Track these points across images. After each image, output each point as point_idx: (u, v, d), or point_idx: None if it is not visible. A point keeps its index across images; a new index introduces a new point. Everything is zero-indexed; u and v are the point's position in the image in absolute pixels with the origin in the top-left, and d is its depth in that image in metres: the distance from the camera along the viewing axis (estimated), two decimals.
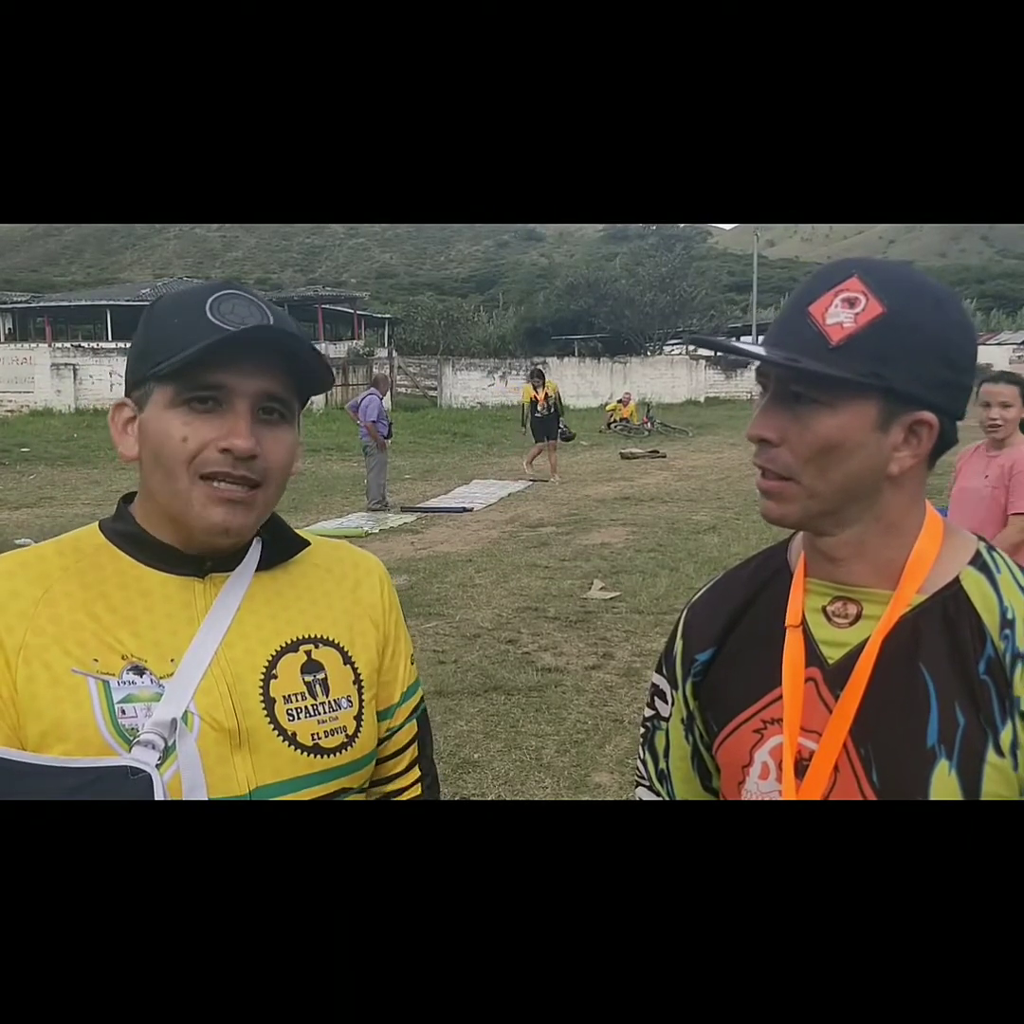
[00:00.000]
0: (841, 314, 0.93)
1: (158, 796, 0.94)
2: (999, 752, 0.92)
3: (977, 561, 0.99)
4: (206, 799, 1.00)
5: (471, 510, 12.14)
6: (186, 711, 1.00)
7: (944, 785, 0.92)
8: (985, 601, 0.96)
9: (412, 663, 1.23)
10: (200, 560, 1.06)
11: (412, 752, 1.23)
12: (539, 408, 15.19)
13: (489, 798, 3.99)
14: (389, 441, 12.62)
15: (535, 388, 15.37)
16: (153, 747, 0.97)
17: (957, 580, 0.98)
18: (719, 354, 34.94)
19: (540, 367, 16.52)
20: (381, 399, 12.73)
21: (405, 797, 1.22)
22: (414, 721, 1.23)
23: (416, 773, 1.24)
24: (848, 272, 0.95)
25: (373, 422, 12.34)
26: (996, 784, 0.92)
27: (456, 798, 3.97)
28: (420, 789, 1.24)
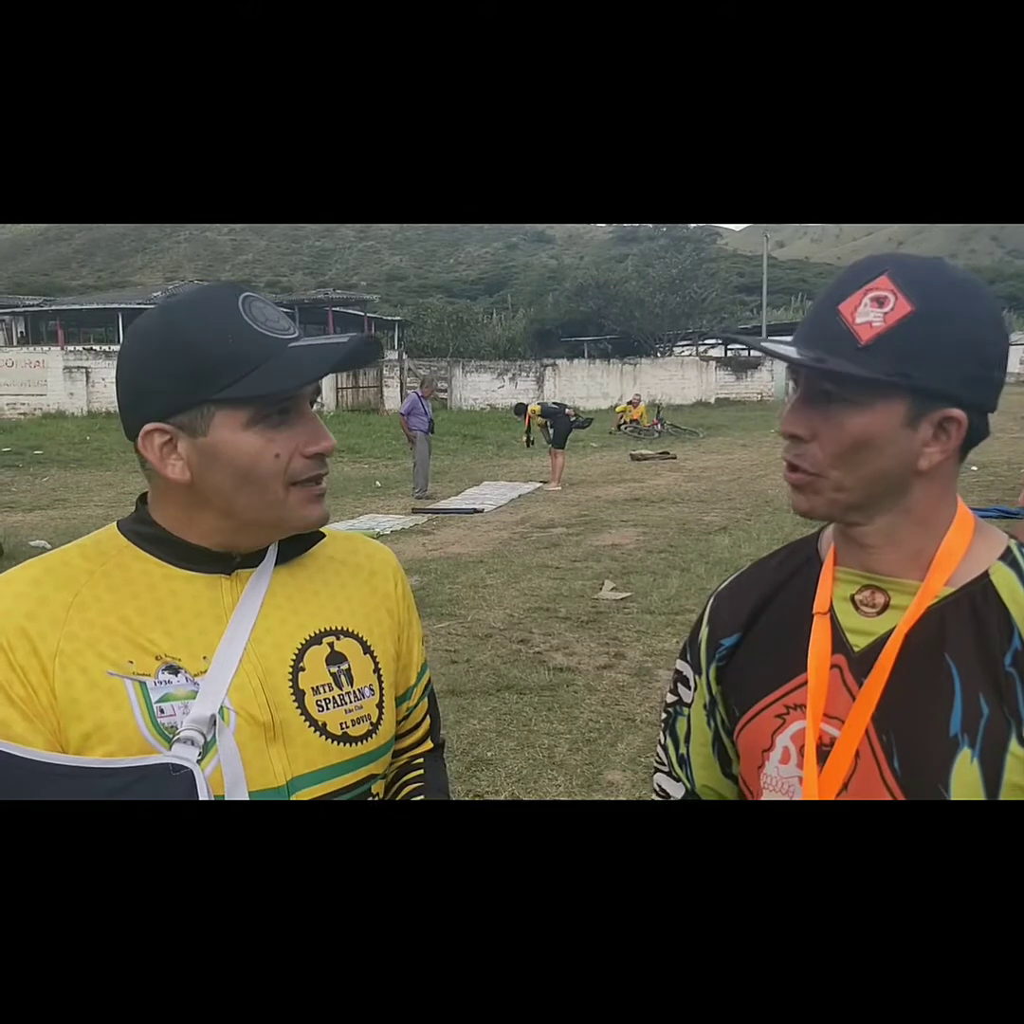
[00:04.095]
0: (870, 313, 0.93)
1: (200, 790, 0.95)
2: (1022, 743, 0.92)
3: (1007, 557, 1.00)
4: (241, 796, 1.02)
5: (482, 511, 12.16)
6: (222, 706, 1.02)
7: (965, 774, 0.93)
8: (1014, 595, 0.97)
9: (422, 643, 1.28)
10: (229, 558, 1.08)
11: (426, 725, 1.30)
12: (529, 432, 15.96)
13: (502, 795, 4.01)
14: (425, 434, 13.81)
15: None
16: (193, 743, 0.98)
17: (986, 574, 0.99)
18: (729, 354, 34.88)
19: (523, 402, 17.41)
20: (421, 398, 14.04)
21: (417, 765, 1.29)
22: (425, 697, 1.29)
23: (429, 745, 1.31)
24: (879, 270, 0.95)
25: (403, 415, 14.00)
26: (1018, 774, 0.92)
27: (470, 795, 3.99)
28: (434, 753, 1.31)
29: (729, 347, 41.56)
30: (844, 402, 0.96)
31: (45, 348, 29.36)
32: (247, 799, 1.02)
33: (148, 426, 1.03)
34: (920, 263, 0.96)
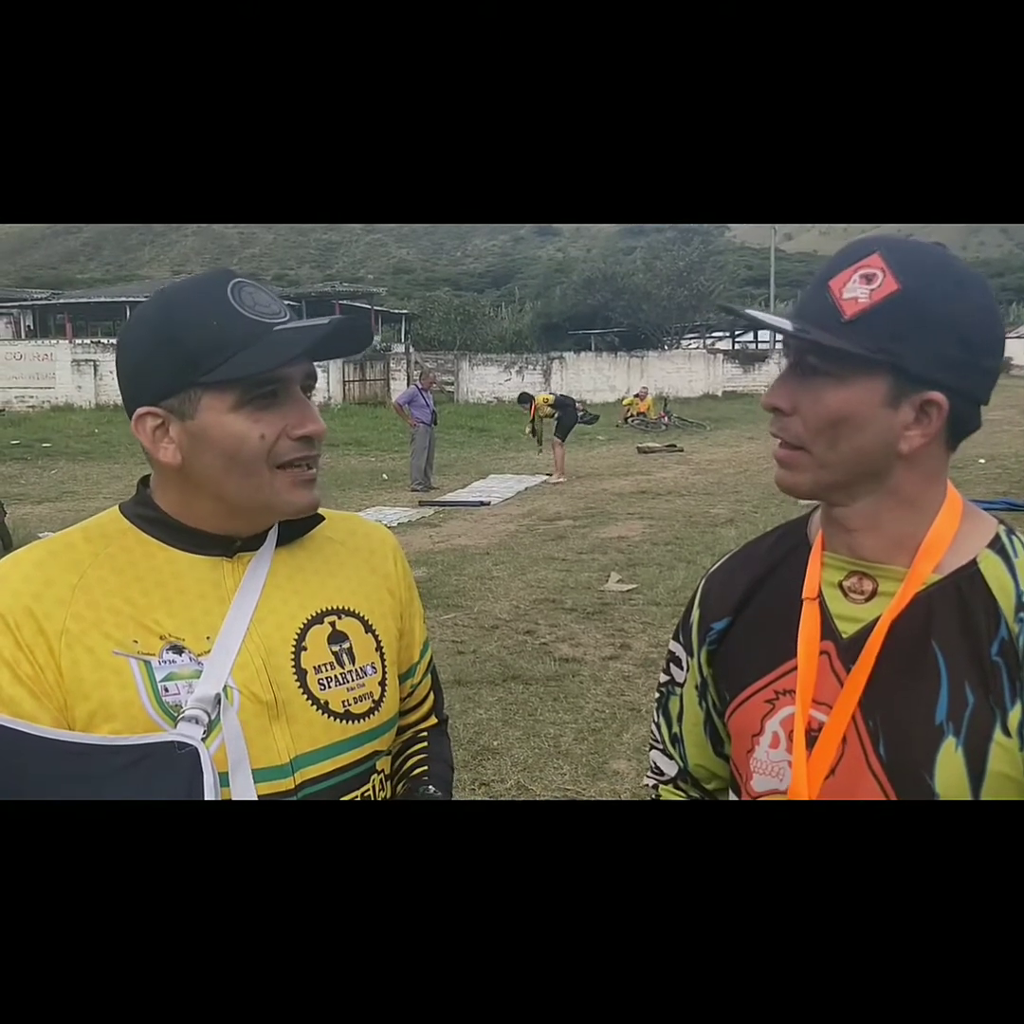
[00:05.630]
0: (858, 289, 0.94)
1: (205, 768, 0.96)
2: (1006, 732, 0.93)
3: (996, 544, 1.00)
4: (244, 774, 1.03)
5: (488, 504, 12.16)
6: (225, 685, 1.03)
7: (950, 761, 0.94)
8: (1001, 584, 0.97)
9: (423, 621, 1.30)
10: (230, 540, 1.10)
11: (430, 701, 1.33)
12: (534, 423, 15.81)
13: (508, 783, 4.04)
14: (427, 427, 13.90)
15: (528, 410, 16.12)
16: (197, 722, 1.00)
17: (974, 561, 0.99)
18: (737, 347, 34.80)
19: (527, 392, 17.43)
20: (420, 390, 14.56)
21: (422, 738, 1.31)
22: (429, 674, 1.31)
23: (434, 720, 1.33)
24: (871, 249, 0.95)
25: (398, 403, 14.67)
26: (1002, 763, 0.93)
27: (475, 783, 4.02)
28: (438, 727, 1.34)
29: (736, 340, 41.48)
30: (825, 376, 0.96)
31: (53, 341, 29.40)
32: (250, 778, 1.04)
33: (141, 410, 1.05)
34: (915, 246, 0.97)
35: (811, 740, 1.01)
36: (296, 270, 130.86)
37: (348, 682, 1.13)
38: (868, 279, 0.94)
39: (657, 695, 1.27)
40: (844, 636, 1.02)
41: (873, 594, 1.02)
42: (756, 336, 39.64)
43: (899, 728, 0.97)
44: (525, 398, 16.22)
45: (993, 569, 0.98)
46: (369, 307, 37.18)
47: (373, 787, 1.16)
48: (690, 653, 1.19)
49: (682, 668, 1.21)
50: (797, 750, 1.01)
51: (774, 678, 1.06)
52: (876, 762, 0.98)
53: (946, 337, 0.94)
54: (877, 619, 1.00)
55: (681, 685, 1.21)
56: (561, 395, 16.36)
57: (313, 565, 1.16)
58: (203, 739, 0.98)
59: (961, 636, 0.96)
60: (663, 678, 1.25)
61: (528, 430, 16.24)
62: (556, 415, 14.85)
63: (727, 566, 1.19)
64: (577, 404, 15.53)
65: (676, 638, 1.23)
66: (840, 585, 1.04)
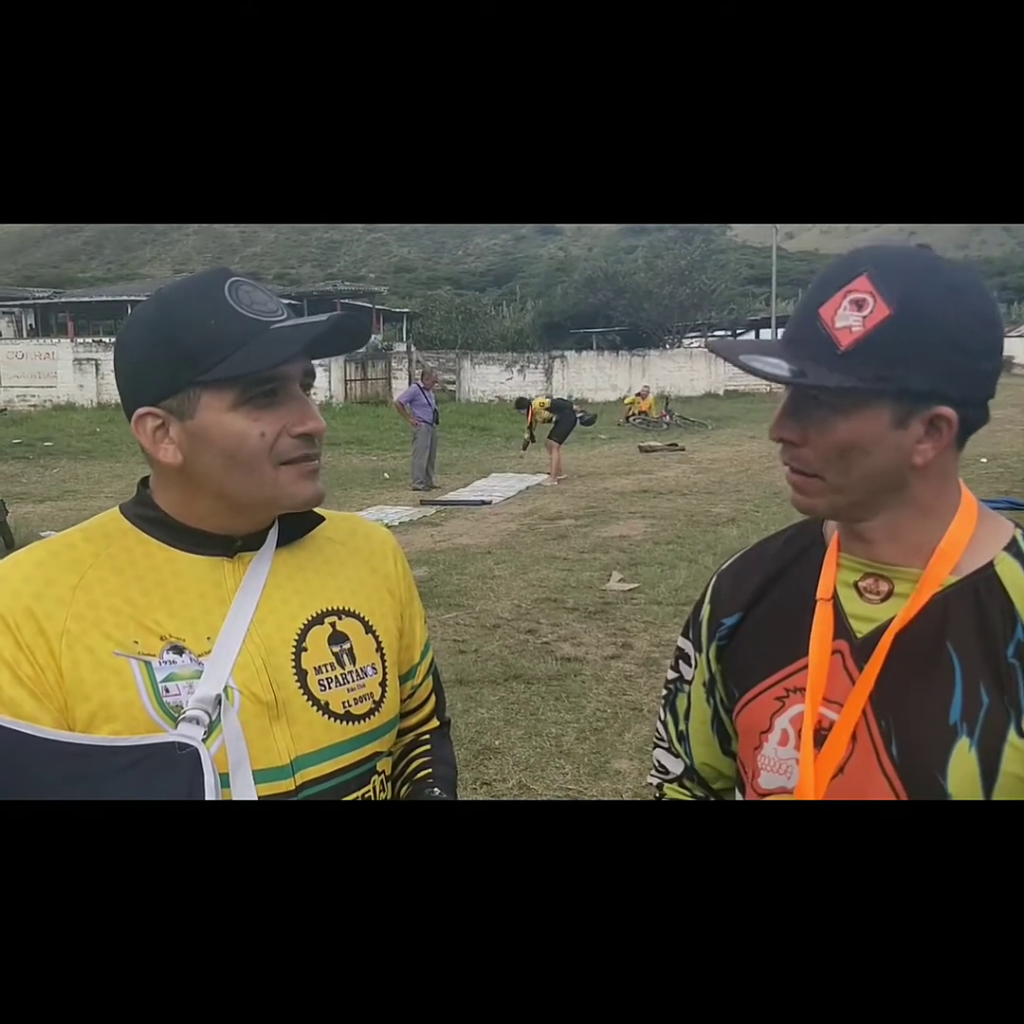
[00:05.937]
0: (850, 317, 0.92)
1: (205, 769, 0.95)
2: (1020, 734, 0.93)
3: (1013, 547, 1.00)
4: (245, 775, 1.03)
5: (490, 503, 12.17)
6: (226, 686, 1.03)
7: (963, 762, 0.94)
8: (1018, 586, 0.97)
9: (424, 622, 1.30)
10: (230, 540, 1.10)
11: (432, 703, 1.32)
12: (532, 428, 15.68)
13: (510, 783, 4.04)
14: (429, 426, 13.90)
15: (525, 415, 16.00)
16: (198, 722, 1.00)
17: (991, 564, 0.99)
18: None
19: (524, 397, 17.33)
20: (422, 389, 14.54)
21: (425, 740, 1.31)
22: (430, 676, 1.31)
23: (436, 722, 1.33)
24: (857, 270, 0.93)
25: (400, 402, 14.80)
26: (1015, 764, 0.93)
27: (477, 782, 4.02)
28: (440, 730, 1.34)
29: (737, 338, 41.47)
30: (829, 407, 0.95)
31: (55, 340, 29.45)
32: (251, 778, 1.04)
33: (140, 410, 1.06)
34: (901, 258, 0.94)
35: (821, 738, 1.01)
36: (298, 269, 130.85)
37: (348, 683, 1.12)
38: (858, 305, 0.92)
39: (664, 692, 1.27)
40: (858, 636, 1.02)
41: (889, 595, 1.02)
42: (757, 335, 39.63)
43: (912, 728, 0.97)
44: (522, 403, 16.12)
45: (1010, 572, 0.98)
46: (371, 306, 37.19)
47: (374, 788, 1.16)
48: (699, 649, 1.19)
49: (690, 665, 1.21)
50: (805, 747, 1.01)
51: (785, 675, 1.06)
52: (888, 762, 0.97)
53: (945, 350, 0.92)
54: (892, 619, 1.00)
55: (689, 682, 1.21)
56: (558, 399, 16.42)
57: (313, 565, 1.16)
58: (204, 740, 0.98)
59: (977, 637, 0.96)
60: (671, 675, 1.25)
61: (526, 435, 16.12)
62: (553, 419, 14.83)
63: (739, 563, 1.19)
64: (575, 406, 15.50)
65: (685, 635, 1.22)
66: (855, 585, 1.04)
